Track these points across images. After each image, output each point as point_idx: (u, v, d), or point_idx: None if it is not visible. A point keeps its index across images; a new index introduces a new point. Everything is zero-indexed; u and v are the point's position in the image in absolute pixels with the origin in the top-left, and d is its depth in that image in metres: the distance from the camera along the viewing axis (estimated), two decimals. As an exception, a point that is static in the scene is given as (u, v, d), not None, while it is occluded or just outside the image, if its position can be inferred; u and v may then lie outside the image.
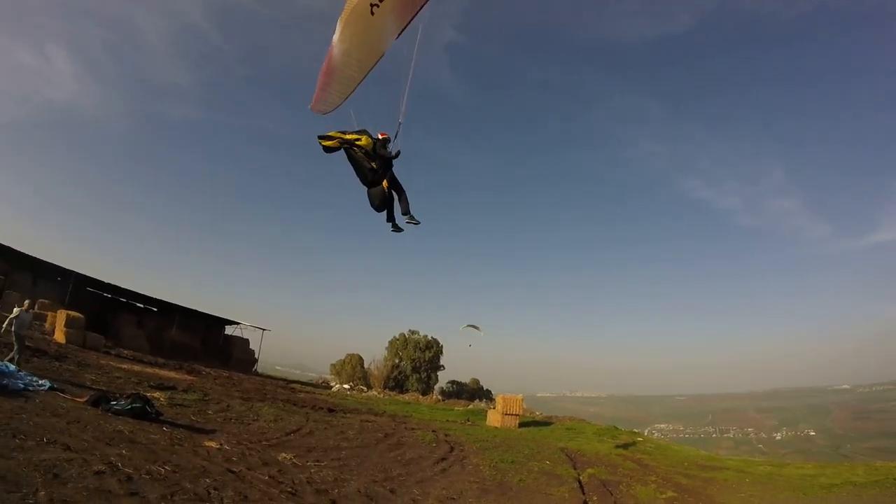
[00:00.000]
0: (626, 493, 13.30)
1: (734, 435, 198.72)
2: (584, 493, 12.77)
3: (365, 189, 9.09)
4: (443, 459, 14.62)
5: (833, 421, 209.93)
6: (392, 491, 10.26)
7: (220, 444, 10.99)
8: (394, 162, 9.04)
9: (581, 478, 14.75)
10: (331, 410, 23.29)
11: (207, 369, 27.80)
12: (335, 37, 8.85)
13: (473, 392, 63.87)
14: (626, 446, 26.69)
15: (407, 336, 64.81)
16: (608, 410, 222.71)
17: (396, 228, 9.43)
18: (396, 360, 63.12)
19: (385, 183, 9.09)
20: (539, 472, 14.77)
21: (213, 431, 12.60)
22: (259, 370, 48.81)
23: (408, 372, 62.24)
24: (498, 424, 30.05)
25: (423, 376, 62.56)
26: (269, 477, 9.08)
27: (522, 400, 32.93)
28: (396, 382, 60.82)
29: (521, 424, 31.58)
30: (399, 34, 8.86)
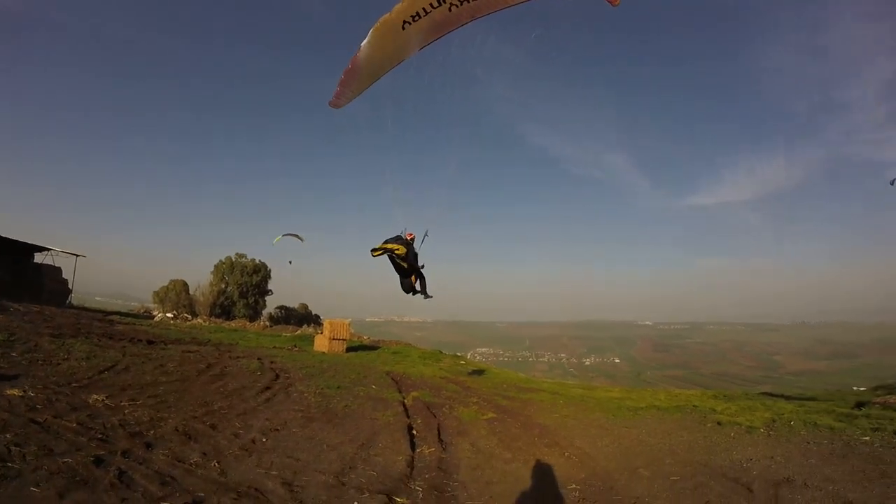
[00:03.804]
0: (449, 415, 14.14)
1: (548, 359, 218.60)
2: (408, 417, 13.36)
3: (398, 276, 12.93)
4: (267, 388, 14.56)
5: (636, 351, 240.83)
6: (213, 426, 10.08)
7: (24, 391, 10.11)
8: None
9: (406, 401, 15.42)
10: (150, 342, 22.02)
11: (16, 305, 24.83)
12: (364, 41, 10.60)
13: (302, 317, 63.21)
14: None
15: (234, 260, 62.10)
16: (433, 335, 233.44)
17: (416, 294, 13.22)
18: (223, 286, 60.39)
19: (413, 277, 12.88)
20: (365, 396, 15.27)
21: (15, 377, 11.48)
22: (74, 302, 44.23)
23: (235, 298, 59.98)
24: (325, 350, 30.54)
25: (250, 302, 60.74)
26: (78, 423, 8.58)
27: (350, 325, 33.60)
28: (223, 309, 58.50)
29: (349, 349, 32.46)
30: (419, 49, 10.78)
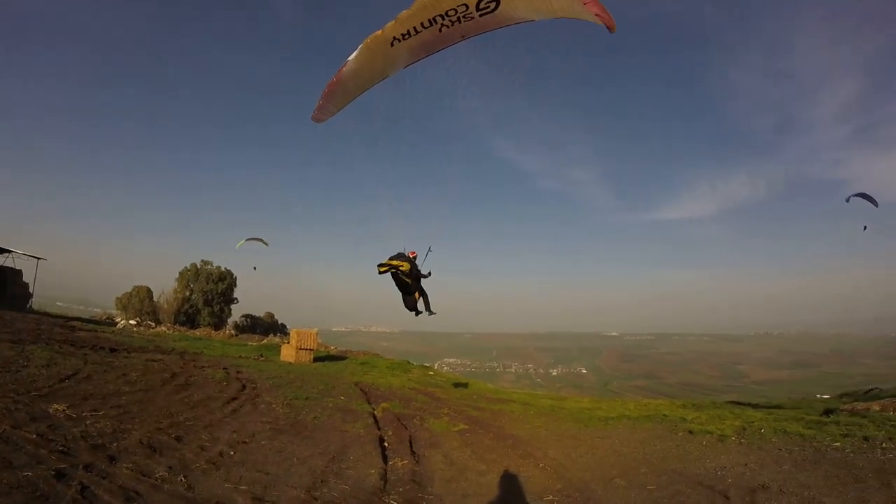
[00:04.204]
0: (420, 427, 14.04)
1: (516, 370, 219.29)
2: (379, 428, 13.24)
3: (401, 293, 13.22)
4: (234, 399, 14.26)
5: (602, 361, 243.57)
6: (178, 438, 9.81)
7: (-21, 401, 9.73)
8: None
9: (376, 412, 15.28)
10: (113, 350, 21.36)
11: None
12: (352, 56, 10.86)
13: (268, 326, 62.29)
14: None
15: (199, 266, 60.59)
16: (400, 345, 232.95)
17: (419, 314, 13.51)
18: (187, 293, 58.89)
19: (417, 294, 13.11)
20: (334, 408, 15.07)
21: (-29, 386, 11.06)
22: (35, 307, 42.85)
23: (199, 305, 58.52)
24: (292, 360, 30.15)
25: (215, 310, 59.28)
26: (38, 435, 8.25)
27: (317, 334, 33.18)
28: (187, 317, 57.05)
29: (316, 359, 32.05)
30: (404, 67, 11.12)
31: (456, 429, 14.11)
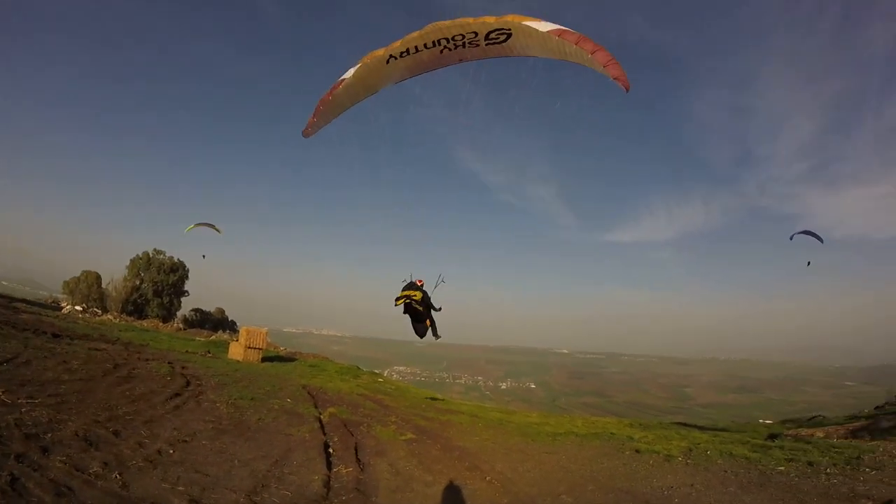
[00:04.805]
0: (367, 434, 13.92)
1: (465, 381, 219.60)
2: (324, 434, 13.10)
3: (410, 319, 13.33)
4: (177, 395, 13.90)
5: (552, 377, 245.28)
6: (116, 433, 9.50)
7: None
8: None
9: (322, 417, 15.10)
10: (56, 336, 20.72)
11: None
12: (348, 73, 11.21)
13: (218, 322, 61.03)
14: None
15: (151, 255, 58.95)
16: (351, 350, 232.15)
17: (424, 336, 13.64)
18: (137, 282, 57.27)
19: (427, 321, 13.30)
20: (280, 410, 14.86)
21: None
22: None
23: (149, 296, 57.02)
24: (240, 358, 29.66)
25: (165, 301, 57.96)
26: (-32, 422, 7.92)
27: (267, 333, 32.70)
28: (136, 307, 55.53)
29: (265, 359, 31.63)
30: (394, 84, 11.56)
31: (403, 438, 14.03)
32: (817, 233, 33.99)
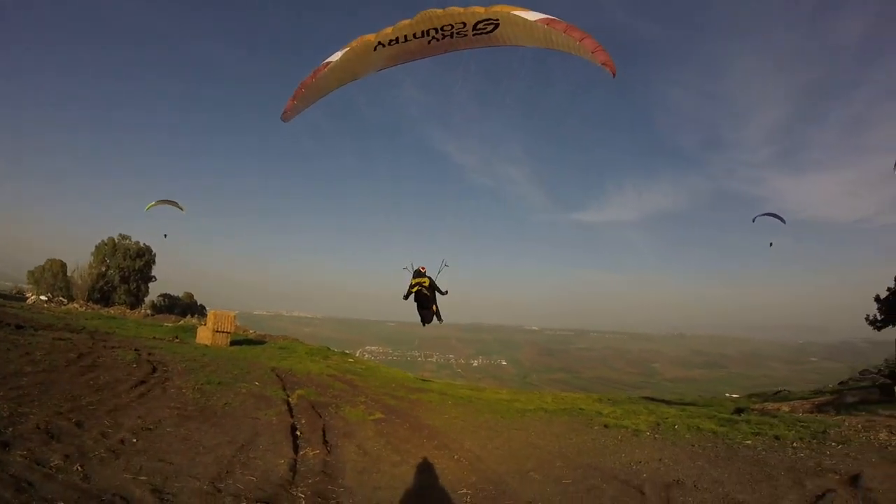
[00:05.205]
0: (335, 415, 13.97)
1: (437, 360, 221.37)
2: (292, 416, 13.07)
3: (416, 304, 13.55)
4: (142, 383, 13.70)
5: (522, 354, 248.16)
6: (78, 424, 9.35)
7: None
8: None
9: (290, 399, 15.09)
10: (19, 327, 20.25)
11: None
12: (333, 57, 11.09)
13: (186, 307, 60.34)
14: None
15: (117, 241, 57.88)
16: (322, 331, 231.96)
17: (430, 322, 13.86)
18: (103, 269, 56.20)
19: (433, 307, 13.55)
20: (247, 393, 14.77)
21: None
22: None
23: (116, 282, 56.08)
24: (208, 342, 29.49)
25: (132, 288, 57.07)
26: (-78, 417, 7.75)
27: (235, 317, 32.59)
28: (102, 294, 54.58)
29: (233, 342, 31.53)
30: (377, 71, 11.60)
31: (372, 418, 14.12)
32: (781, 215, 35.49)
